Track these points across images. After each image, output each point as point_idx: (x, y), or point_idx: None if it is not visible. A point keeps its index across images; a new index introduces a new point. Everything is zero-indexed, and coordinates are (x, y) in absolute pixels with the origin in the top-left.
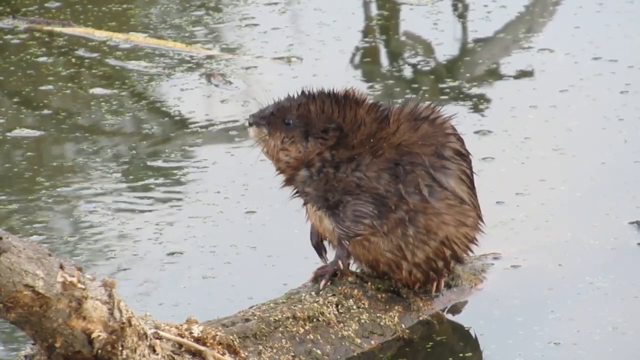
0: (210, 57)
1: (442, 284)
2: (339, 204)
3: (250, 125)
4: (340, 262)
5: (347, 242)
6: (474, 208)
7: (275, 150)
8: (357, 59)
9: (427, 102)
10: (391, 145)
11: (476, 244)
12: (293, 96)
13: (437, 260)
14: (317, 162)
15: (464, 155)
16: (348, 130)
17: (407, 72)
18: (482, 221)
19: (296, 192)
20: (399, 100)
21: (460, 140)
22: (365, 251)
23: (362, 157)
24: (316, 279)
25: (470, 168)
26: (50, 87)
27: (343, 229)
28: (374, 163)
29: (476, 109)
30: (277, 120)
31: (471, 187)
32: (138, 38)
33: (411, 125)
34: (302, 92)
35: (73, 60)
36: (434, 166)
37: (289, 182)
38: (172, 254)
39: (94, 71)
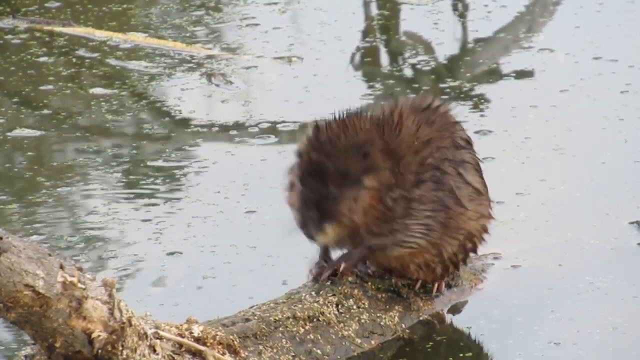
0: (210, 57)
1: (443, 285)
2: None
3: (316, 235)
4: (343, 264)
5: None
6: (487, 197)
7: (354, 220)
8: (357, 59)
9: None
10: (424, 145)
11: (489, 234)
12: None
13: (459, 254)
14: (390, 197)
15: (470, 143)
16: (389, 146)
17: (407, 72)
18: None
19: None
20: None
21: (463, 128)
22: (399, 258)
23: (418, 171)
24: (316, 278)
25: (476, 154)
26: (51, 87)
27: (403, 247)
28: (425, 171)
29: (476, 109)
30: (325, 202)
31: (482, 174)
32: (138, 38)
33: (421, 117)
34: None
35: (73, 60)
36: (456, 160)
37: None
38: (172, 253)
39: (94, 71)
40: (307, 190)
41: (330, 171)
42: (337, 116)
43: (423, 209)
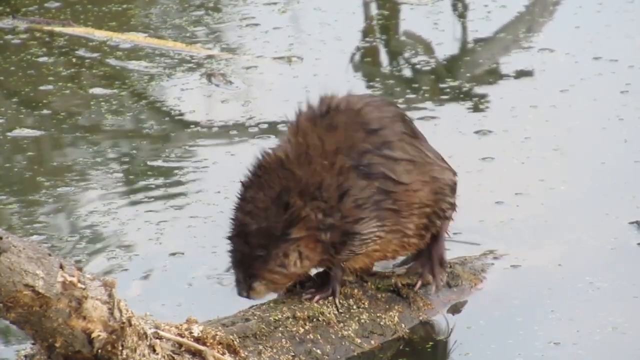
0: (210, 57)
1: (441, 281)
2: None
3: (248, 295)
4: (337, 285)
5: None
6: (428, 160)
7: (287, 274)
8: (357, 58)
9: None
10: (335, 155)
11: (453, 188)
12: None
13: (424, 221)
14: (322, 229)
15: (390, 115)
16: (302, 179)
17: (407, 72)
18: (445, 162)
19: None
20: (400, 101)
21: (379, 104)
22: (371, 255)
23: (339, 184)
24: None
25: (404, 118)
26: (51, 87)
27: (347, 256)
28: (349, 178)
29: (476, 109)
30: (251, 262)
31: (414, 138)
32: (138, 38)
33: (323, 127)
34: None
35: (73, 60)
36: (377, 145)
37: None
38: (174, 254)
39: (94, 71)
40: (234, 252)
41: (254, 231)
42: (256, 169)
43: (366, 208)
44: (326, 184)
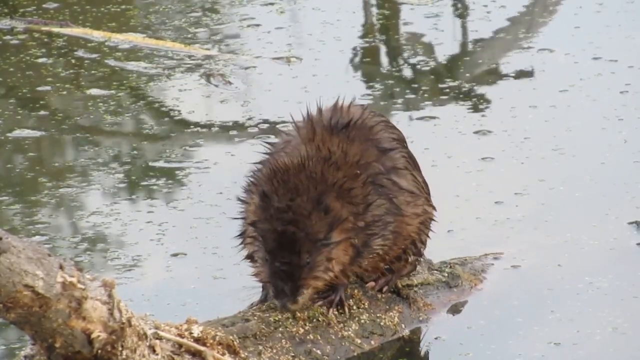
0: (209, 57)
1: (391, 283)
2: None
3: (294, 304)
4: (343, 290)
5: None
6: (422, 193)
7: (329, 278)
8: (357, 59)
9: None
10: (357, 167)
11: (429, 229)
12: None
13: (400, 253)
14: (356, 233)
15: (396, 138)
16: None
17: (407, 72)
18: (429, 195)
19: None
20: (399, 101)
21: (387, 124)
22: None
23: (364, 195)
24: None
25: (405, 144)
26: (51, 87)
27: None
28: (371, 192)
29: (476, 109)
30: (299, 272)
31: (414, 168)
32: (136, 38)
33: (342, 138)
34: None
35: (73, 61)
36: (387, 168)
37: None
38: (176, 255)
39: (93, 72)
40: (279, 263)
41: (300, 239)
42: (275, 177)
43: (378, 226)
44: (355, 192)
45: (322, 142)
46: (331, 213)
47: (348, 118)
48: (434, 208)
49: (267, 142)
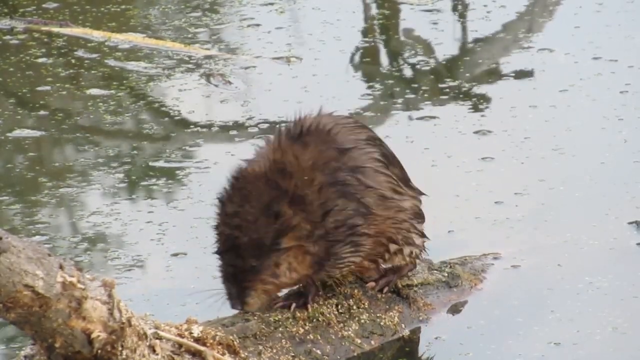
0: (209, 57)
1: (392, 283)
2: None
3: (243, 309)
4: (311, 296)
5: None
6: (401, 188)
7: (279, 284)
8: (357, 58)
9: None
10: (311, 169)
11: (419, 213)
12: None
13: (381, 250)
14: (312, 241)
15: (367, 139)
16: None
17: (407, 72)
18: (411, 187)
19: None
20: (399, 101)
21: (351, 126)
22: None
23: (321, 200)
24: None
25: (376, 142)
26: (50, 87)
27: (342, 268)
28: (330, 197)
29: (476, 109)
30: (244, 275)
31: (386, 165)
32: (136, 38)
33: (297, 146)
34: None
35: (73, 61)
36: (349, 167)
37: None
38: (177, 254)
39: (93, 72)
40: (225, 266)
41: (245, 243)
42: (234, 183)
43: (342, 232)
44: (309, 200)
45: (283, 151)
46: (281, 219)
47: (302, 125)
48: (419, 199)
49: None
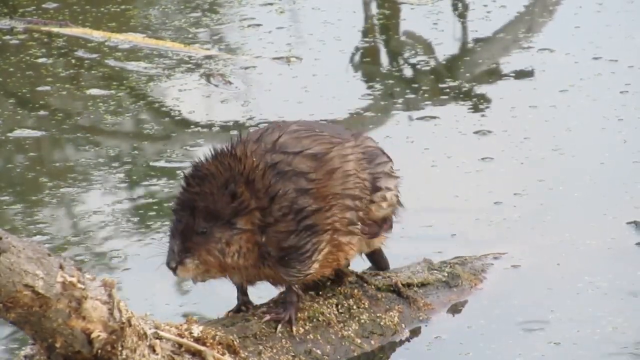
0: (209, 57)
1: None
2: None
3: (176, 268)
4: (293, 311)
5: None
6: (331, 139)
7: (222, 262)
8: (357, 58)
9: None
10: (252, 154)
11: (375, 152)
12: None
13: (348, 215)
14: (260, 228)
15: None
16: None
17: (407, 72)
18: (348, 134)
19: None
20: (400, 100)
21: (305, 133)
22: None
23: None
24: (271, 322)
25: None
26: (50, 87)
27: (296, 277)
28: (272, 181)
29: (476, 109)
30: (191, 236)
31: (308, 129)
32: (136, 38)
33: (255, 144)
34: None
35: (73, 61)
36: (270, 143)
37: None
38: None
39: (93, 72)
40: (176, 222)
41: (202, 208)
42: (191, 170)
43: (291, 219)
44: (258, 184)
45: (233, 145)
46: (239, 199)
47: (261, 130)
48: (357, 142)
49: None
